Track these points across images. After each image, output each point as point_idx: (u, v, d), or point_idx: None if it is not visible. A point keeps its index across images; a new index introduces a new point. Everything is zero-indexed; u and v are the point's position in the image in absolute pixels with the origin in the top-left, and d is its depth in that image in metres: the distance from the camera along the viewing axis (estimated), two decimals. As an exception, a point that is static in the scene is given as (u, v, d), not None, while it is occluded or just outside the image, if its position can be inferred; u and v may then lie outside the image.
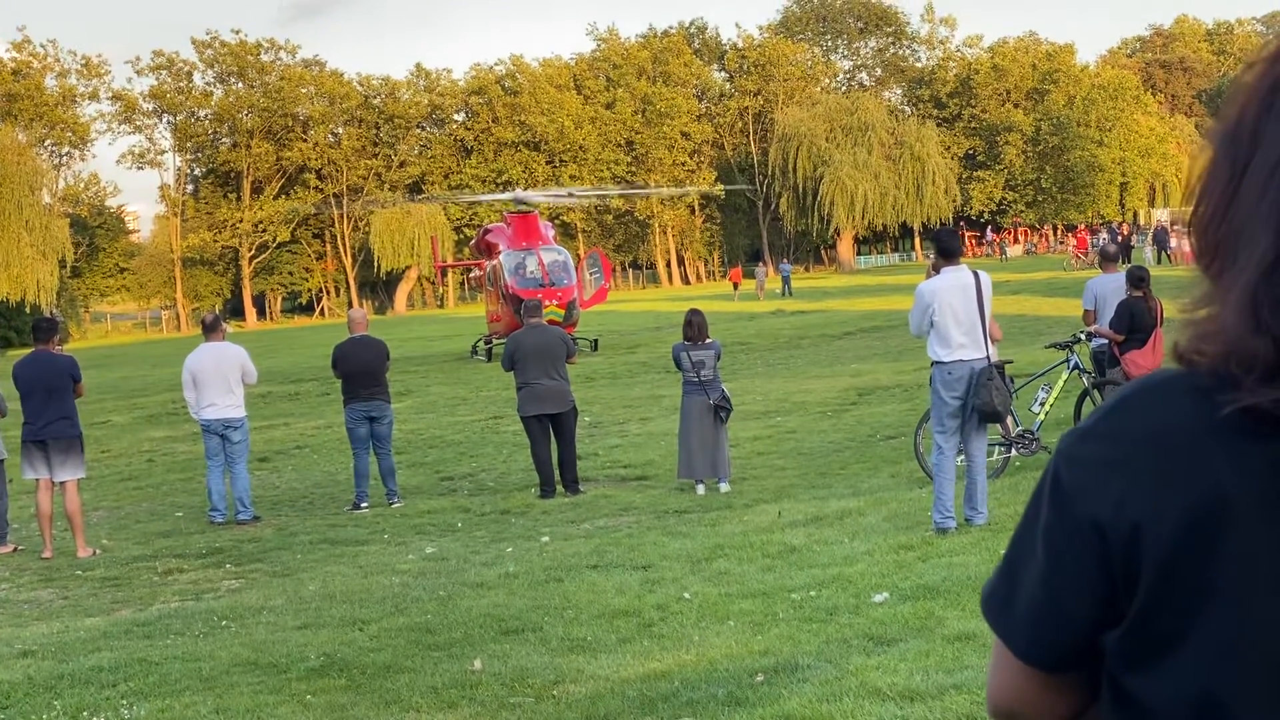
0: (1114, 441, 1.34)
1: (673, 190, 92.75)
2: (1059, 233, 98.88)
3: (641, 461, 17.77)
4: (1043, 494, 1.40)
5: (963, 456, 10.99)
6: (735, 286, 71.13)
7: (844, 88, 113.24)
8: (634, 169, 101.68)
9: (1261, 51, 1.37)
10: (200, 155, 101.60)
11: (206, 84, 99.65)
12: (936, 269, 11.26)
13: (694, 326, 15.09)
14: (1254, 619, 1.28)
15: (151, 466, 21.38)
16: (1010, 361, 12.74)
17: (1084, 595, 1.37)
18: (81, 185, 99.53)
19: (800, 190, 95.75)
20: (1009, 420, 12.82)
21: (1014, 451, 13.65)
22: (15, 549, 14.31)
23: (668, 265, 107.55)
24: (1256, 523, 1.27)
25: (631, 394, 26.83)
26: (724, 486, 14.98)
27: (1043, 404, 14.21)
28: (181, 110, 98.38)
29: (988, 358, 10.76)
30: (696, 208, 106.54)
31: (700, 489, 14.94)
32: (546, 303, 31.47)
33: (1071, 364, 14.45)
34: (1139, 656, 1.35)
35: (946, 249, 11.07)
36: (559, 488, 15.51)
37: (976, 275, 10.87)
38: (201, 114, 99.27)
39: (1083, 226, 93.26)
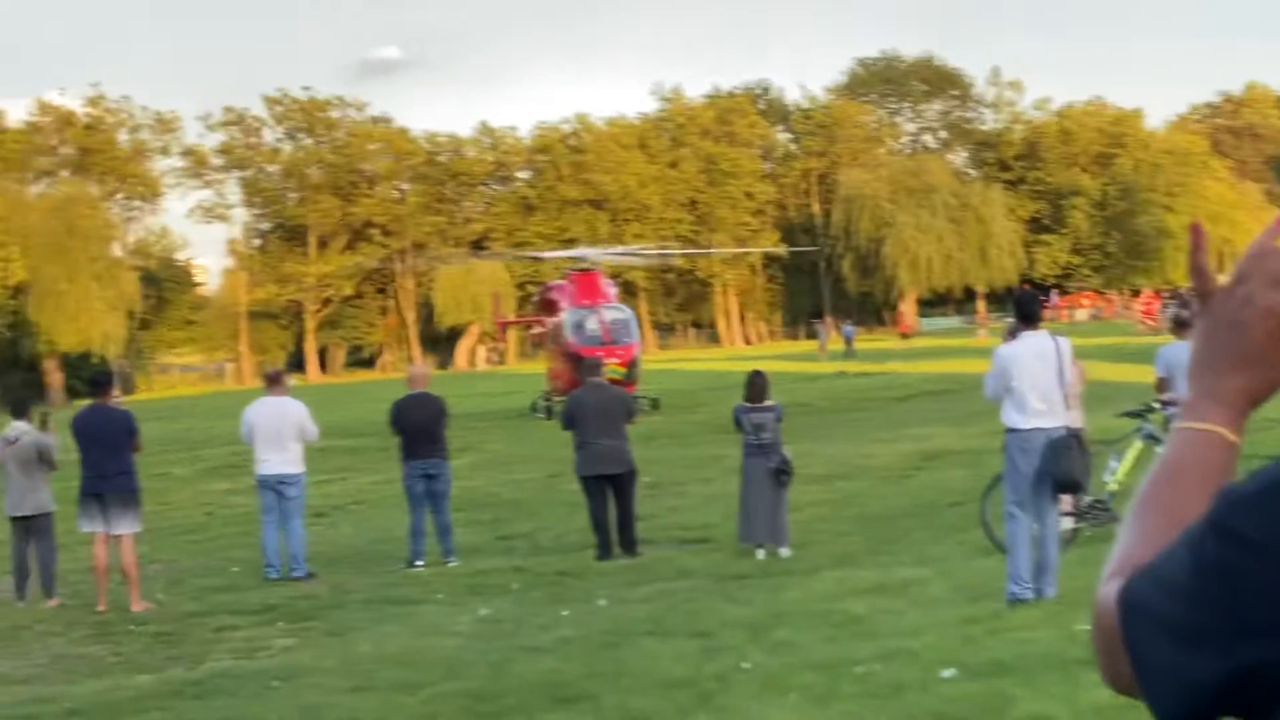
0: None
1: (735, 250, 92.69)
2: (1125, 297, 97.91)
3: (701, 524, 17.49)
4: (1205, 545, 1.20)
5: (1035, 527, 10.69)
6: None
7: (909, 149, 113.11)
8: (697, 228, 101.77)
9: None
10: (268, 210, 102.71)
11: (276, 140, 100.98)
12: (1014, 333, 11.01)
13: (755, 388, 14.87)
14: None
15: (210, 520, 21.34)
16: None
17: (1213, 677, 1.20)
18: (152, 238, 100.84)
19: (863, 251, 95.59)
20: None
21: (1084, 522, 13.28)
22: (60, 604, 14.23)
23: (729, 325, 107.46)
24: None
25: (692, 454, 26.56)
26: (784, 552, 14.68)
27: (1114, 474, 13.84)
28: (250, 165, 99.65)
29: (1065, 426, 10.48)
30: (759, 267, 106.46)
31: (760, 553, 14.67)
32: (608, 361, 31.39)
33: (1144, 433, 14.05)
34: None
35: (1027, 313, 10.80)
36: (617, 549, 15.27)
37: (1056, 341, 10.61)
38: (270, 169, 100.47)
39: (1148, 291, 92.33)
